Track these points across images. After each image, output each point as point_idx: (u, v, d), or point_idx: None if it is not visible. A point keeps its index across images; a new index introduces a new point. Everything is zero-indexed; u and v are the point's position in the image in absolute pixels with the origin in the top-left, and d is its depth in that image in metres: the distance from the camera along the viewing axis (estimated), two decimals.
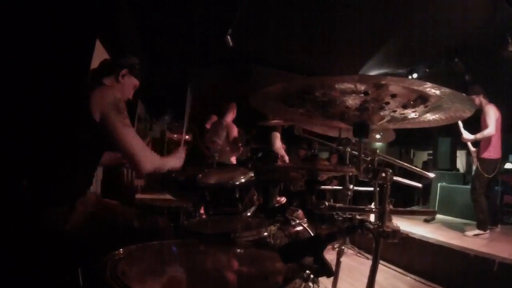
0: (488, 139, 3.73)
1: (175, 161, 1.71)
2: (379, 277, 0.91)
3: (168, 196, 2.19)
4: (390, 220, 0.88)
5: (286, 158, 4.42)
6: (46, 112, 1.46)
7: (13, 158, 1.40)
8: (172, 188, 2.25)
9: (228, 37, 4.96)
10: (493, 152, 3.72)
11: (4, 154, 1.50)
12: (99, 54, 3.13)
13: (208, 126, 5.06)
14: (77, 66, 2.60)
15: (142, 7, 4.74)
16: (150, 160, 1.46)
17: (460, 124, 3.78)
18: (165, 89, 6.98)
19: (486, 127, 3.69)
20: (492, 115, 3.68)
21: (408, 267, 3.33)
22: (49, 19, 2.36)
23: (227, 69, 7.24)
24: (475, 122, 3.81)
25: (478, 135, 3.73)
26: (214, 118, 5.14)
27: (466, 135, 3.80)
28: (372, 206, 1.51)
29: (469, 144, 3.96)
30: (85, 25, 2.89)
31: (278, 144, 4.26)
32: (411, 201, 7.49)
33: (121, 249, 0.99)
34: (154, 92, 7.01)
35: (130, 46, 5.13)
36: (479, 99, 3.76)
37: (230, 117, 4.40)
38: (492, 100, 3.83)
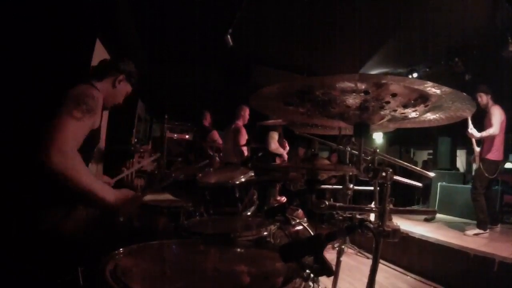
0: (491, 141, 3.74)
1: (119, 195, 1.33)
2: (379, 276, 0.91)
3: (168, 196, 2.18)
4: (390, 219, 0.88)
5: (285, 156, 4.42)
6: (46, 112, 1.45)
7: (13, 157, 1.39)
8: (172, 188, 2.25)
9: (228, 37, 4.96)
10: (495, 153, 3.74)
11: (5, 154, 1.50)
12: (99, 54, 3.14)
13: (206, 124, 5.06)
14: (78, 66, 2.60)
15: (142, 7, 4.74)
16: (63, 158, 1.18)
17: (469, 120, 3.78)
18: (165, 89, 6.99)
19: (490, 127, 3.70)
20: (497, 116, 3.69)
21: (408, 267, 3.33)
22: (49, 19, 2.36)
23: (227, 69, 7.24)
24: (479, 124, 3.83)
25: (484, 133, 3.74)
26: (208, 115, 5.14)
27: (473, 131, 3.81)
28: (372, 205, 1.51)
29: (474, 143, 3.96)
30: (85, 25, 2.89)
31: (274, 146, 4.26)
32: (411, 200, 7.49)
33: (121, 249, 0.99)
34: (154, 92, 7.02)
35: (130, 46, 5.13)
36: (486, 99, 3.77)
37: (240, 121, 4.39)
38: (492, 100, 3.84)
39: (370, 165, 0.96)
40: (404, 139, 11.32)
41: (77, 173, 1.22)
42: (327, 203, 0.95)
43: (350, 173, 1.75)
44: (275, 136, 4.30)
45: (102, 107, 1.50)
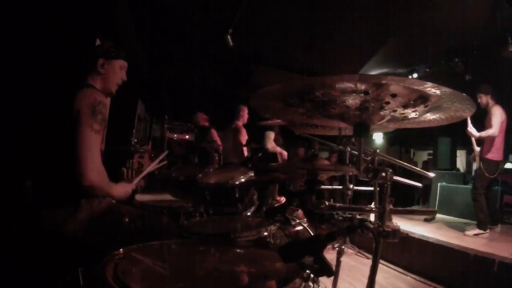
0: (491, 141, 3.74)
1: (122, 190, 1.55)
2: (379, 276, 0.91)
3: (168, 196, 2.18)
4: (390, 219, 0.88)
5: (285, 154, 4.43)
6: (47, 112, 1.46)
7: (15, 158, 1.40)
8: (172, 188, 2.25)
9: (228, 37, 4.96)
10: (496, 153, 3.74)
11: (7, 155, 1.50)
12: None
13: (204, 123, 5.06)
14: (78, 66, 2.60)
15: (142, 7, 4.74)
16: (97, 174, 1.35)
17: (469, 119, 3.78)
18: (165, 89, 6.99)
19: (490, 127, 3.70)
20: (497, 116, 3.69)
21: (408, 267, 3.33)
22: (49, 19, 2.36)
23: (227, 69, 7.24)
24: (480, 124, 3.83)
25: (483, 133, 3.75)
26: (202, 115, 5.13)
27: (472, 130, 3.81)
28: (372, 205, 1.51)
29: (474, 143, 3.96)
30: (85, 25, 2.89)
31: (270, 145, 4.28)
32: (411, 200, 7.49)
33: (121, 249, 0.99)
34: (154, 92, 7.02)
35: (130, 46, 5.13)
36: (486, 99, 3.77)
37: (240, 121, 4.40)
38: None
39: (370, 165, 0.96)
40: (404, 139, 11.33)
41: (108, 184, 1.42)
42: (327, 203, 0.95)
43: (350, 173, 1.75)
44: (271, 135, 4.32)
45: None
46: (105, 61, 1.59)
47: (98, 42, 3.19)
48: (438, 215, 4.90)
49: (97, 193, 1.38)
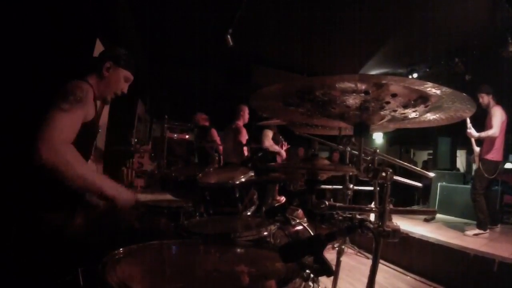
0: (491, 141, 3.74)
1: (107, 185, 1.31)
2: (379, 276, 0.91)
3: (168, 196, 2.18)
4: (390, 219, 0.88)
5: (283, 153, 4.43)
6: (46, 113, 1.45)
7: (14, 159, 1.39)
8: (172, 188, 2.25)
9: (228, 37, 4.96)
10: (495, 154, 3.74)
11: (6, 155, 1.49)
12: None
13: (204, 123, 5.07)
14: (78, 66, 2.60)
15: (142, 7, 4.74)
16: (53, 153, 1.16)
17: (468, 119, 3.78)
18: (165, 89, 7.00)
19: (490, 127, 3.70)
20: (498, 116, 3.69)
21: (408, 267, 3.33)
22: (49, 19, 2.36)
23: (227, 69, 7.25)
24: (480, 124, 3.83)
25: (483, 134, 3.75)
26: (202, 116, 5.14)
27: (472, 130, 3.81)
28: (372, 205, 1.51)
29: (473, 143, 3.96)
30: (85, 25, 2.89)
31: (267, 143, 4.28)
32: (411, 200, 7.50)
33: (121, 249, 0.99)
34: (154, 92, 7.03)
35: (130, 46, 5.13)
36: (488, 99, 3.77)
37: (240, 121, 4.41)
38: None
39: (370, 165, 0.96)
40: (404, 139, 11.32)
41: (69, 165, 1.20)
42: (327, 203, 0.95)
43: (350, 173, 1.75)
44: (269, 134, 4.32)
45: (93, 98, 1.47)
46: (112, 65, 1.55)
47: (98, 42, 3.19)
48: (438, 215, 4.91)
49: (57, 174, 1.18)
